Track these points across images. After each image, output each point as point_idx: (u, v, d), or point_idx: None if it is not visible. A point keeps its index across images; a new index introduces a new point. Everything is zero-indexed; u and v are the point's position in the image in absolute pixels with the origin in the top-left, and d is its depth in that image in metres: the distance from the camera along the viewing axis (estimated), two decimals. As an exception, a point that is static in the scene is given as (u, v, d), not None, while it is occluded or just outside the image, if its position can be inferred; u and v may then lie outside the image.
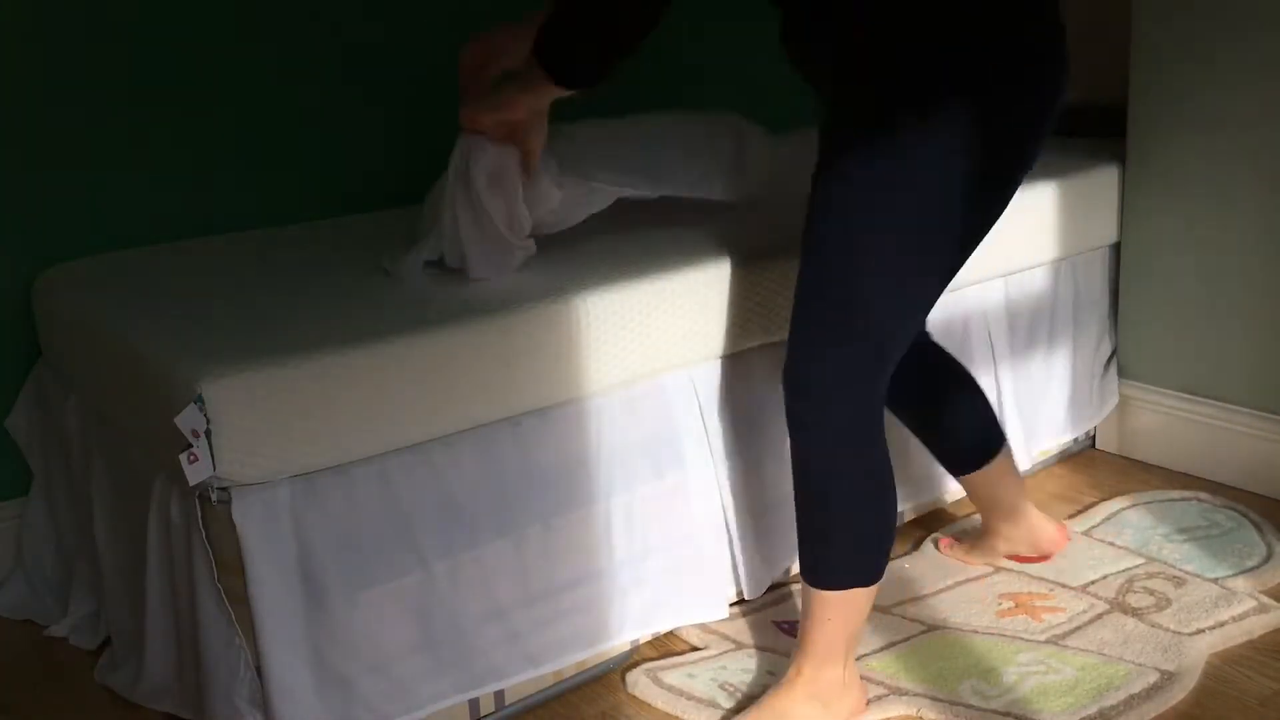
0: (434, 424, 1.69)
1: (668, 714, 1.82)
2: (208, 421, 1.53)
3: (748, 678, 1.89)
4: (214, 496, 1.60)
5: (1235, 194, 2.30)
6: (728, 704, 1.82)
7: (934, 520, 2.35)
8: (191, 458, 1.53)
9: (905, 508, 2.31)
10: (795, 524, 1.70)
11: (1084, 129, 2.74)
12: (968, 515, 2.35)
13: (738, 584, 2.06)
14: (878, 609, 2.05)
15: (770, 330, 2.00)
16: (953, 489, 2.36)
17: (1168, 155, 2.39)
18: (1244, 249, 2.31)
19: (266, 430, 1.57)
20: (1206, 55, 2.29)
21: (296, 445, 1.59)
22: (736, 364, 2.01)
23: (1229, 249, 2.33)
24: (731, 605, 2.07)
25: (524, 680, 1.83)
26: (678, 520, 1.96)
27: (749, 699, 1.83)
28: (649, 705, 1.85)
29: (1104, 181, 2.48)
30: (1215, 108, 2.29)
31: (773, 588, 2.13)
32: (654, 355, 1.89)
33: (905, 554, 2.24)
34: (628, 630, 1.93)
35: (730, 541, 2.03)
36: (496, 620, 1.80)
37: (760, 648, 1.96)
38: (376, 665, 1.69)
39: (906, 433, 2.23)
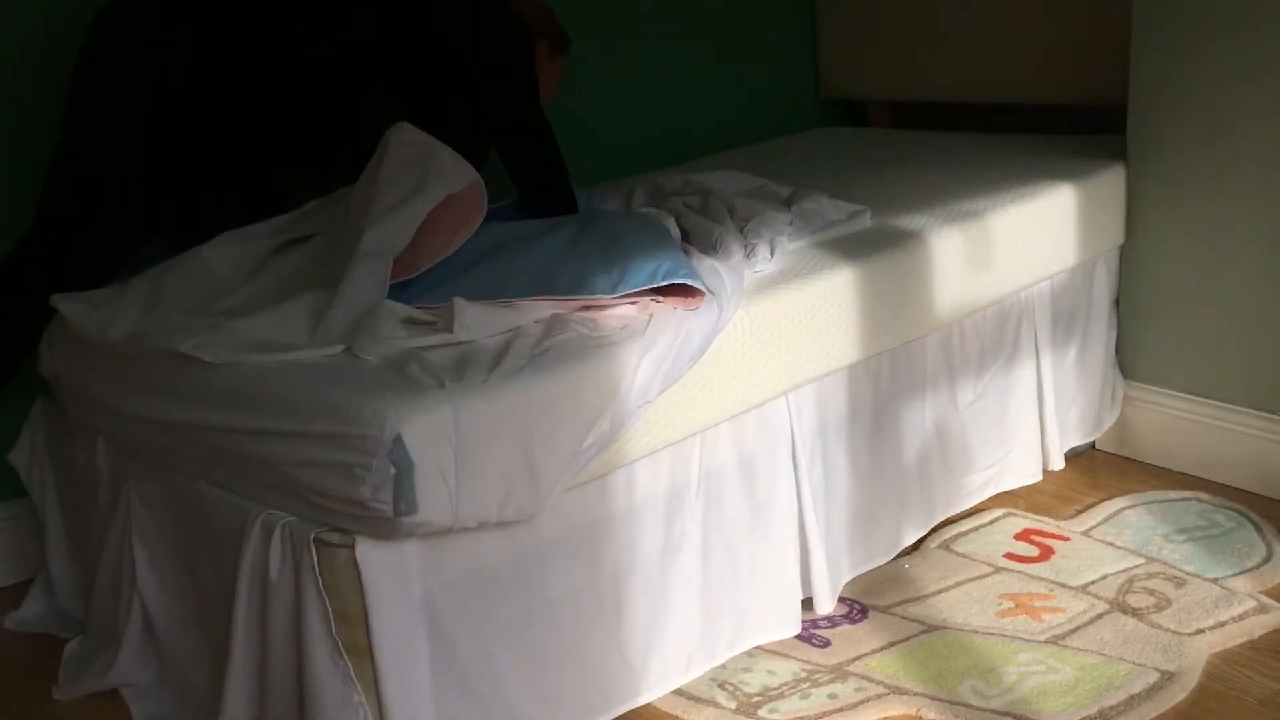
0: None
1: (668, 713, 1.82)
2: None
3: (748, 677, 1.89)
4: (336, 540, 1.50)
5: (1236, 194, 2.30)
6: (728, 704, 1.82)
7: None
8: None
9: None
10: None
11: (1084, 128, 2.75)
12: (963, 517, 2.36)
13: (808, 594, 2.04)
14: (879, 609, 2.06)
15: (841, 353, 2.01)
16: (970, 492, 2.36)
17: (1168, 156, 2.39)
18: (1244, 249, 2.31)
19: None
20: (1206, 55, 2.28)
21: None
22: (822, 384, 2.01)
23: (1229, 249, 2.33)
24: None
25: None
26: (757, 539, 1.94)
27: (749, 699, 1.83)
28: (649, 704, 1.84)
29: (1113, 183, 2.47)
30: (1215, 108, 2.29)
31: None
32: (757, 386, 1.88)
33: (906, 554, 2.24)
34: (720, 654, 1.91)
35: (807, 557, 2.00)
36: (621, 663, 1.77)
37: (760, 648, 1.97)
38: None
39: (917, 453, 2.21)
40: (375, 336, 1.67)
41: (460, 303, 1.71)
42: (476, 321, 1.70)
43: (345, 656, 1.52)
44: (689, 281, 1.76)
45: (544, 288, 1.78)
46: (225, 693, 1.66)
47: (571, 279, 1.79)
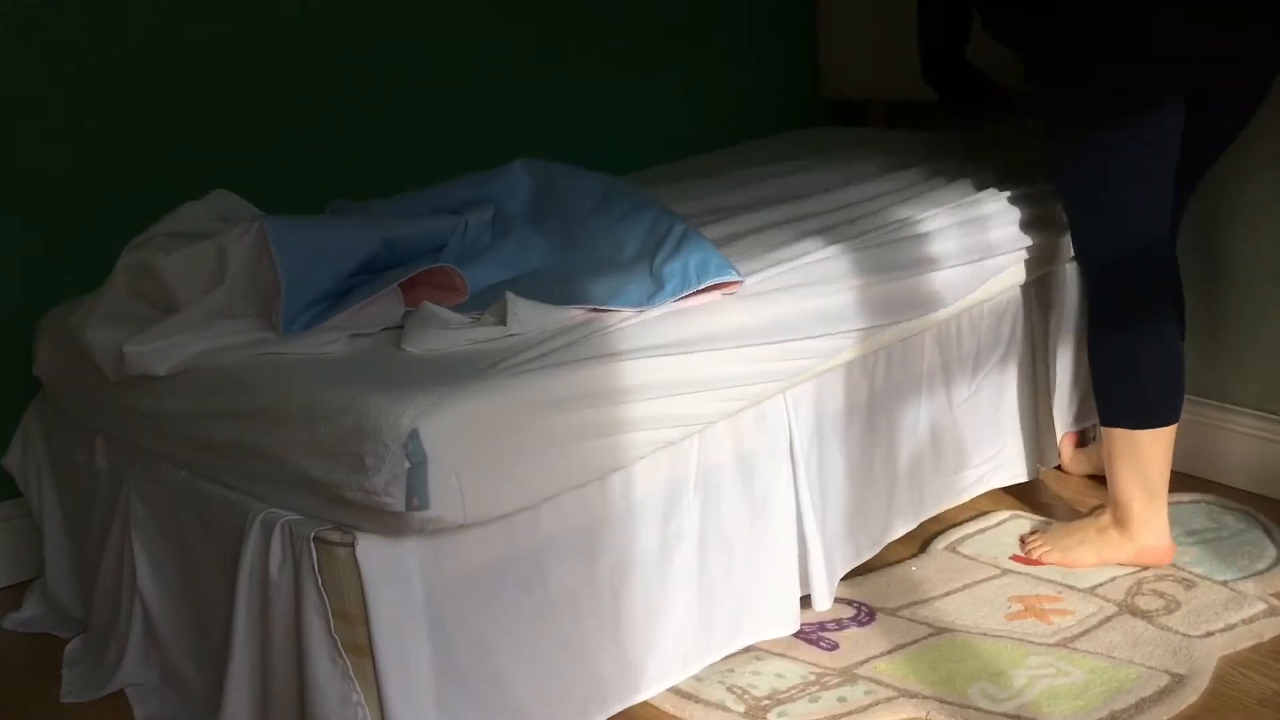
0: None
1: (675, 717, 1.81)
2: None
3: (756, 680, 1.87)
4: (336, 538, 1.49)
5: (1235, 192, 2.30)
6: (737, 708, 1.80)
7: (933, 523, 2.31)
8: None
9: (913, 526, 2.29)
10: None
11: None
12: (969, 519, 2.34)
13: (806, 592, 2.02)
14: (886, 611, 2.04)
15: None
16: (963, 488, 2.35)
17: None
18: (1244, 248, 2.30)
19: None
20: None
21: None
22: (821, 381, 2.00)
23: (1229, 248, 2.33)
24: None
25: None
26: (755, 536, 1.92)
27: (757, 702, 1.81)
28: (657, 709, 1.83)
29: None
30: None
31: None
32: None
33: (911, 557, 2.23)
34: (716, 651, 1.89)
35: (805, 554, 1.98)
36: (619, 660, 1.76)
37: (767, 650, 1.95)
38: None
39: (910, 450, 2.20)
40: (426, 331, 1.66)
41: (512, 296, 1.71)
42: (529, 315, 1.70)
43: (344, 655, 1.51)
44: (723, 279, 1.77)
45: (576, 298, 1.77)
46: (225, 691, 1.65)
47: (606, 288, 1.78)
